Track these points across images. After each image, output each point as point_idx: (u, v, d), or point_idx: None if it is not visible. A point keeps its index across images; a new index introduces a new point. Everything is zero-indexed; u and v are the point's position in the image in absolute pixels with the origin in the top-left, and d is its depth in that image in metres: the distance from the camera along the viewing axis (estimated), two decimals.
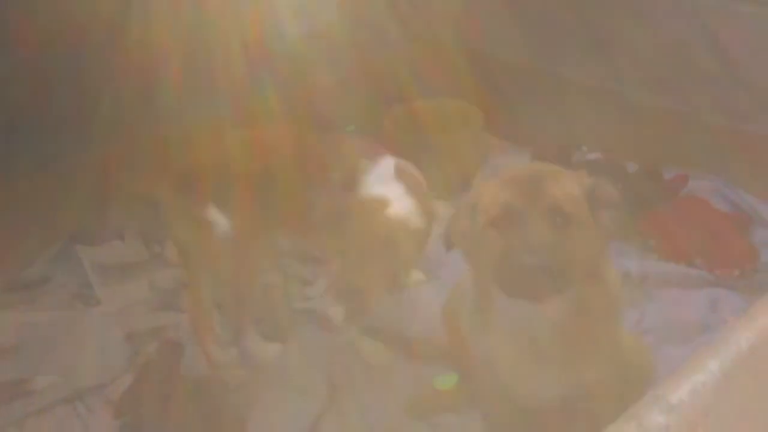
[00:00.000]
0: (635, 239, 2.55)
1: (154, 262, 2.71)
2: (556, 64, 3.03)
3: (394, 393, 2.13)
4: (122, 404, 2.15)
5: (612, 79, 2.90)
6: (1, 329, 2.42)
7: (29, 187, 2.65)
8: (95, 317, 2.46)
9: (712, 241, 2.50)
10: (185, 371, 2.22)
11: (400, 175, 2.11)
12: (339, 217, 2.02)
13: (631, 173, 2.78)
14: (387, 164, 2.13)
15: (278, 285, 2.50)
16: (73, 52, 2.59)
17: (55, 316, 2.47)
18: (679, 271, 2.47)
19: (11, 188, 2.59)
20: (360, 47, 3.06)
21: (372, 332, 2.28)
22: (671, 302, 2.36)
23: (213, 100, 2.72)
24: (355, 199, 2.05)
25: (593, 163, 2.83)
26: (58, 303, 2.53)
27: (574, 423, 1.84)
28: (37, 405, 2.17)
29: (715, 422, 0.71)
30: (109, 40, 2.57)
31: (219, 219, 2.08)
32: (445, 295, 2.23)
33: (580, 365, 1.58)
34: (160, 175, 2.17)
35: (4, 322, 2.45)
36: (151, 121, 2.70)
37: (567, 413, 1.81)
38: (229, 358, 2.26)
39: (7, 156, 2.56)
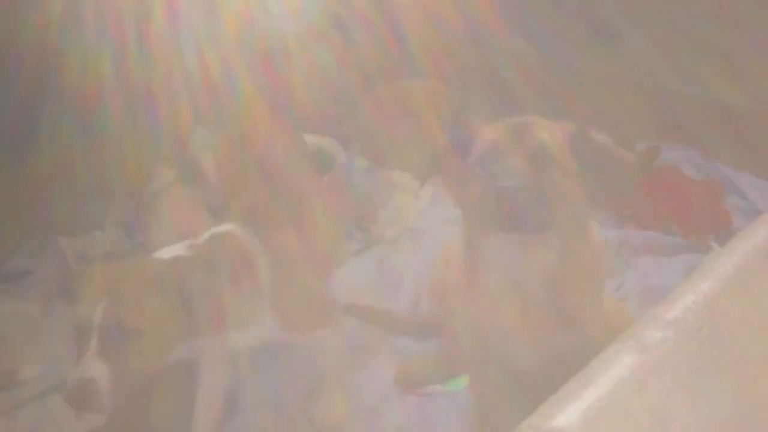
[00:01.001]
0: (612, 208, 2.61)
1: (136, 251, 2.71)
2: (523, 39, 3.06)
3: (382, 366, 2.16)
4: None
5: (584, 54, 2.94)
6: None
7: (6, 180, 2.65)
8: None
9: (687, 209, 2.56)
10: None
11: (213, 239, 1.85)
12: None
13: None
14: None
15: None
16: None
17: (40, 307, 2.46)
18: (656, 238, 2.52)
19: None
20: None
21: (356, 310, 2.31)
22: (649, 269, 2.41)
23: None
24: None
25: None
26: (41, 293, 2.52)
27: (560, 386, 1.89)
28: (27, 394, 2.17)
29: (708, 335, 0.75)
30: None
31: None
32: (426, 268, 2.28)
33: (567, 324, 1.62)
34: None
35: None
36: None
37: (554, 376, 1.86)
38: None
39: None
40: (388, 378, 2.12)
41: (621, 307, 2.12)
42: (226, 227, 1.89)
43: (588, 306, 1.66)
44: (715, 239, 2.48)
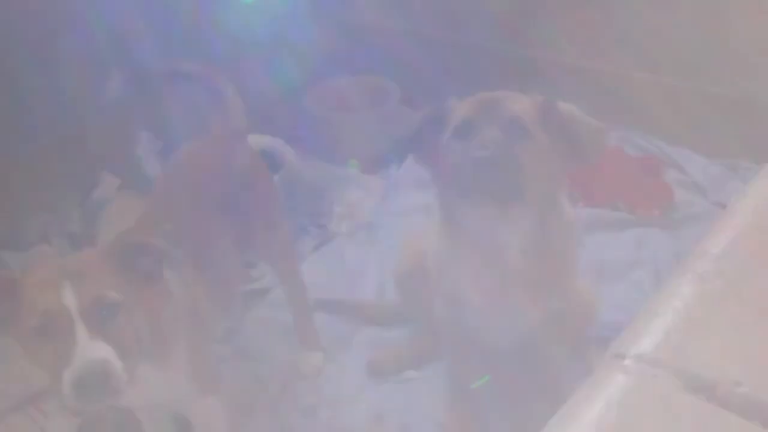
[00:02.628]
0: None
1: None
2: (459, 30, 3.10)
3: (355, 356, 2.17)
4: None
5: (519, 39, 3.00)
6: None
7: None
8: None
9: (631, 185, 2.66)
10: None
11: None
12: None
13: None
14: None
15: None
16: None
17: None
18: (604, 215, 2.59)
19: None
20: None
21: (323, 305, 2.31)
22: (601, 245, 2.48)
23: None
24: None
25: None
26: None
27: (533, 363, 1.93)
28: None
29: (760, 263, 0.78)
30: None
31: None
32: (388, 257, 2.29)
33: (543, 298, 1.67)
34: None
35: None
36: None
37: (527, 353, 1.90)
38: None
39: None
40: (362, 368, 2.13)
41: (582, 282, 2.17)
42: None
43: (563, 278, 1.71)
44: (660, 212, 2.57)
